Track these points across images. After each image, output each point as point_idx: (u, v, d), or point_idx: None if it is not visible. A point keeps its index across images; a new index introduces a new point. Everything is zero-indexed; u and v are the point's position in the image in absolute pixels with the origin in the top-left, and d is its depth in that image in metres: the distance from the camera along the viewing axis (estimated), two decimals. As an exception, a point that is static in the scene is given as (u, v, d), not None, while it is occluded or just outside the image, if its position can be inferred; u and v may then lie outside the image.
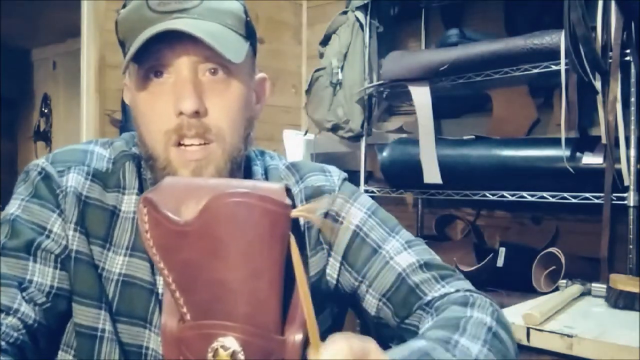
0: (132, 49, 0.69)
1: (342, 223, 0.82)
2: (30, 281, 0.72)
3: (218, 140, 0.73)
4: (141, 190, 0.79)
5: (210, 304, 0.46)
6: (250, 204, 0.45)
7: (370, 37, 2.14)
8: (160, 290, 0.76)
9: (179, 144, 0.72)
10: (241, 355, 0.45)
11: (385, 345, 0.73)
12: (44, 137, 4.43)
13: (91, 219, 0.77)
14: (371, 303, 0.79)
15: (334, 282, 0.82)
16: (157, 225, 0.47)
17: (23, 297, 0.71)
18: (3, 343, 0.66)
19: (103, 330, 0.75)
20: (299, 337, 0.47)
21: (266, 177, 0.85)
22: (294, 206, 0.47)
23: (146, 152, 0.75)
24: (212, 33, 0.69)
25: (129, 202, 0.79)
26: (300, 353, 0.47)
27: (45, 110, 4.44)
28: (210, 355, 0.45)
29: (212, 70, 0.72)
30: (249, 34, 0.76)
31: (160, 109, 0.72)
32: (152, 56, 0.71)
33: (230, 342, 0.45)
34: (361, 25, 2.14)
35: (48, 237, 0.75)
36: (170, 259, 0.47)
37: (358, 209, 0.83)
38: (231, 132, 0.74)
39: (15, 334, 0.68)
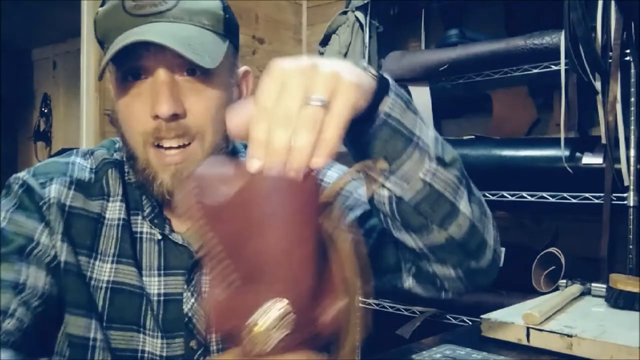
0: (107, 56, 0.69)
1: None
2: (24, 284, 0.71)
3: (198, 139, 0.72)
4: (125, 196, 0.79)
5: (254, 274, 0.48)
6: (290, 179, 0.47)
7: (370, 37, 2.14)
8: (149, 291, 0.77)
9: (158, 145, 0.72)
10: (285, 321, 0.47)
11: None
12: (44, 137, 4.42)
13: (76, 228, 0.76)
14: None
15: None
16: (204, 197, 0.50)
17: (18, 300, 0.70)
18: (3, 346, 0.66)
19: (95, 340, 0.75)
20: (336, 305, 0.49)
21: None
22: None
23: (128, 151, 0.75)
24: (187, 38, 0.69)
25: (113, 209, 0.78)
26: (337, 321, 0.49)
27: (45, 110, 4.44)
28: (260, 318, 0.47)
29: (190, 71, 0.72)
30: (229, 30, 0.75)
31: (137, 111, 0.72)
32: (129, 58, 0.70)
33: (275, 307, 0.47)
34: (361, 25, 2.14)
35: (36, 247, 0.74)
36: (217, 231, 0.49)
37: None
38: (211, 131, 0.73)
39: (12, 338, 0.67)
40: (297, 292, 0.48)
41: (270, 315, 0.47)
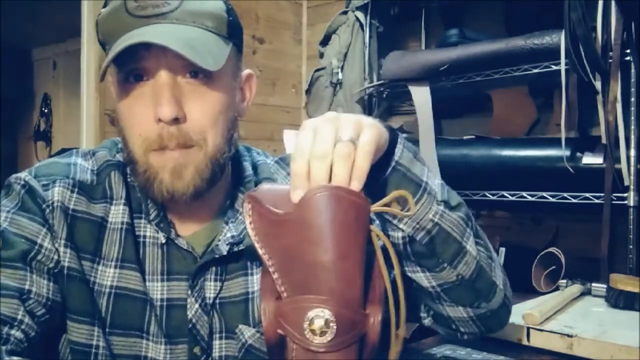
0: (108, 57, 0.68)
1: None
2: (30, 292, 0.70)
3: (199, 144, 0.72)
4: (129, 199, 0.78)
5: (304, 283, 0.53)
6: (340, 196, 0.53)
7: (370, 37, 2.14)
8: (153, 297, 0.76)
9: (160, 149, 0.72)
10: (333, 325, 0.52)
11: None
12: (44, 137, 4.42)
13: (80, 232, 0.75)
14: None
15: None
16: (260, 217, 0.56)
17: (24, 309, 0.69)
18: (14, 357, 0.65)
19: (97, 347, 0.75)
20: (379, 314, 0.54)
21: (255, 172, 0.85)
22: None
23: (128, 154, 0.74)
24: (190, 40, 0.68)
25: (116, 213, 0.77)
26: (380, 328, 0.54)
27: (45, 110, 4.43)
28: (306, 324, 0.52)
29: (192, 73, 0.71)
30: (232, 33, 0.74)
31: (139, 114, 0.71)
32: (130, 60, 0.70)
33: (323, 313, 0.52)
34: (361, 25, 2.15)
35: (39, 252, 0.73)
36: (271, 246, 0.55)
37: None
38: (213, 135, 0.72)
39: (21, 347, 0.67)
40: (343, 300, 0.52)
41: (316, 322, 0.52)
